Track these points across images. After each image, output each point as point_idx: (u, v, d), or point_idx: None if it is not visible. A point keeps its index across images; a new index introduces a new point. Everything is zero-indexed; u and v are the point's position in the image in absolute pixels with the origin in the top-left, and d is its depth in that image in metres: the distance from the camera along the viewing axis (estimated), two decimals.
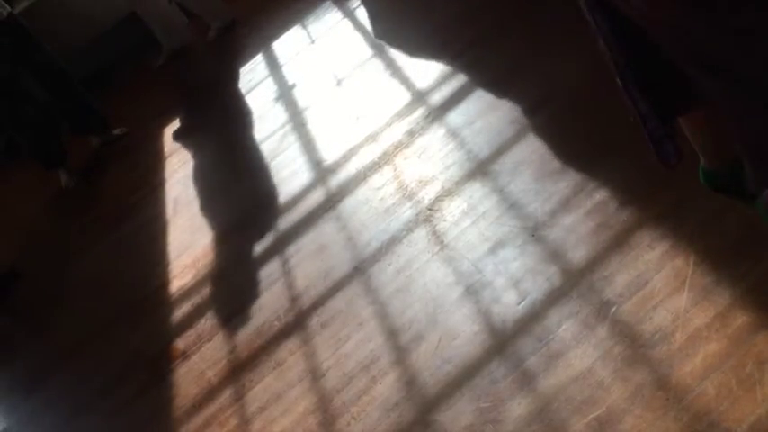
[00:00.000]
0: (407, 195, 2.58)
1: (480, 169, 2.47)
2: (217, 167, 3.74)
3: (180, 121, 4.44)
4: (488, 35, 3.13)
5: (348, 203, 2.74)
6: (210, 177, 3.68)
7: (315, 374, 2.13)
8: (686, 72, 1.26)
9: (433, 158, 2.67)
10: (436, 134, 2.78)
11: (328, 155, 3.12)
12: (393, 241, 2.42)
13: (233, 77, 4.54)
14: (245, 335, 2.45)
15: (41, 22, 4.68)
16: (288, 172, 3.20)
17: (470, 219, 2.30)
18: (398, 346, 2.05)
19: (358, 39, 3.91)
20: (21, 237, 4.33)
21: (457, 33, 3.30)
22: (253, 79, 4.33)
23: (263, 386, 2.21)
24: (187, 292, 2.88)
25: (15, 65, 3.97)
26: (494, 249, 2.13)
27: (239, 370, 2.33)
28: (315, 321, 2.31)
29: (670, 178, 1.78)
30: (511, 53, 2.93)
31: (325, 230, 2.68)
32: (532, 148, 2.39)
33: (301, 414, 2.04)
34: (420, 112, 2.97)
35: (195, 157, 3.93)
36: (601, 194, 2.05)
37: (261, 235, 2.91)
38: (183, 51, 5.35)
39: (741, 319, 1.57)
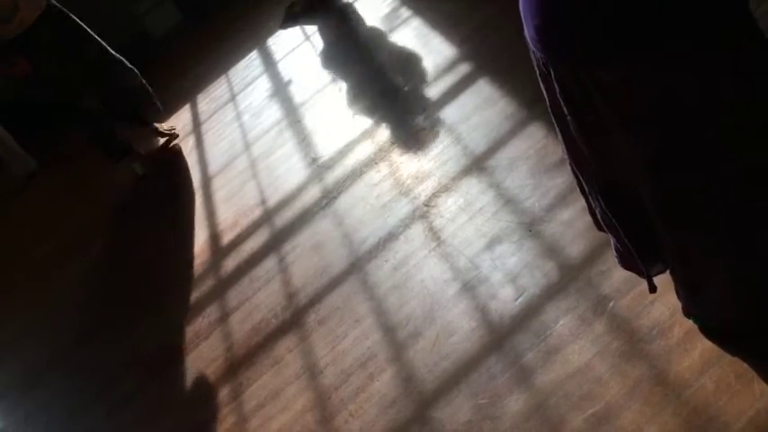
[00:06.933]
0: (404, 192, 2.57)
1: (477, 165, 2.46)
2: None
3: None
4: (488, 26, 3.13)
5: (344, 200, 2.73)
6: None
7: (312, 372, 2.13)
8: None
9: (429, 154, 2.66)
10: (432, 130, 2.77)
11: (324, 151, 3.11)
12: (390, 238, 2.41)
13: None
14: (243, 333, 2.44)
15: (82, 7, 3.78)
16: (284, 169, 3.19)
17: (467, 214, 2.29)
18: (396, 342, 2.05)
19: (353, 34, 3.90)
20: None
21: (467, 17, 3.30)
22: (248, 76, 4.32)
23: (260, 384, 2.21)
24: (184, 291, 2.88)
25: (63, 59, 3.44)
26: (491, 245, 2.13)
27: (236, 368, 2.33)
28: (312, 318, 2.31)
29: None
30: (509, 48, 2.92)
31: (322, 227, 2.68)
32: (529, 143, 2.38)
33: (299, 411, 2.04)
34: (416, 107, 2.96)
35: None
36: None
37: (257, 233, 2.91)
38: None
39: None
